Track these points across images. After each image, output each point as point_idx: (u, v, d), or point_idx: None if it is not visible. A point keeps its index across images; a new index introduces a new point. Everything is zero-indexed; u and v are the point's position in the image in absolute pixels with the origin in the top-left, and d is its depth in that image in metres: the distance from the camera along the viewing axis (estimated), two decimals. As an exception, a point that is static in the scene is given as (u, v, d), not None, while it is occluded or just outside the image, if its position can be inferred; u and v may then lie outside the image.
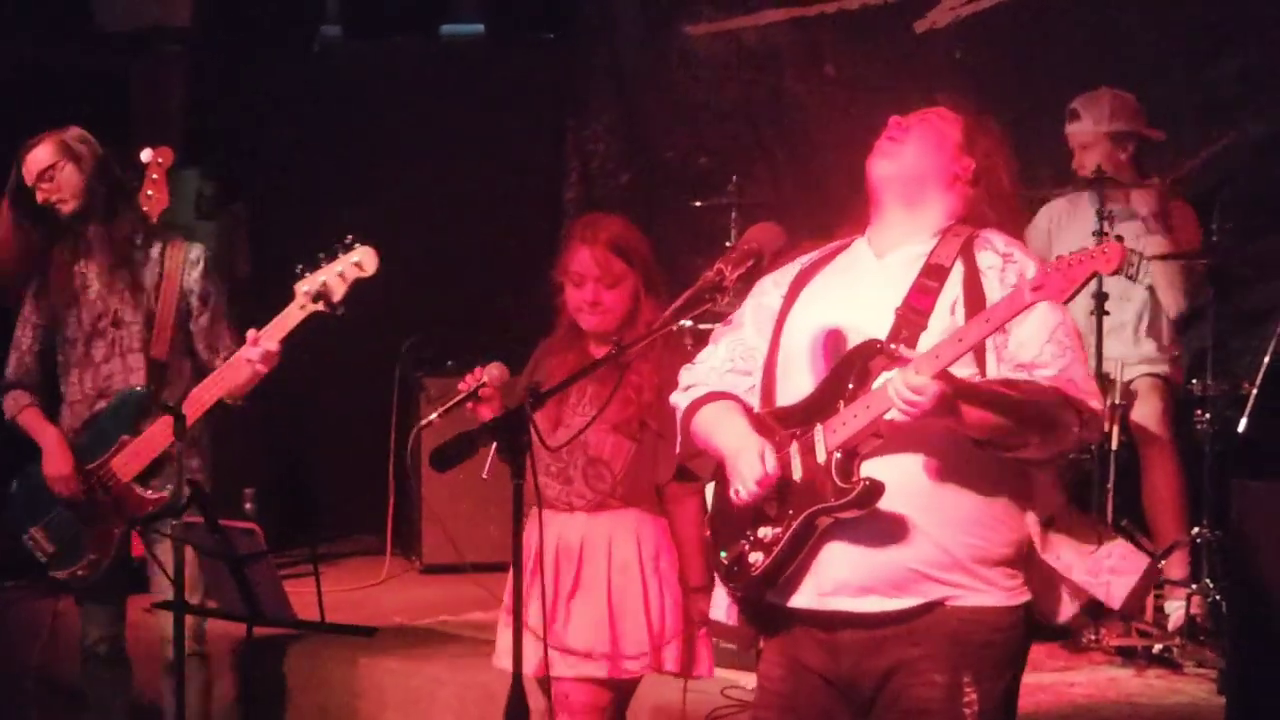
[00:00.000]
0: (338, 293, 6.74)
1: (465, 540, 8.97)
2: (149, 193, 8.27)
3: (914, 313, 4.53)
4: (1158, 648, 7.53)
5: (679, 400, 4.93)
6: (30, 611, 8.68)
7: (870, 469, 4.47)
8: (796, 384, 4.71)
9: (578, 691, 5.81)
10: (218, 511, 5.99)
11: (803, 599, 4.65)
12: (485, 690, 7.25)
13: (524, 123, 10.16)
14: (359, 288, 8.87)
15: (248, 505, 8.46)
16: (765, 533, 4.63)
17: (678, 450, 5.04)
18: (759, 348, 4.83)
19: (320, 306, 6.77)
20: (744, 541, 4.69)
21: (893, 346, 4.47)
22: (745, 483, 4.59)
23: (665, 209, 9.64)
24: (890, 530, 4.53)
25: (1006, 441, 4.46)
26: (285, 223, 10.39)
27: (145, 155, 8.35)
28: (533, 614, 5.67)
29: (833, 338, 4.66)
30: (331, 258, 6.80)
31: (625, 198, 9.77)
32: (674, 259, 9.33)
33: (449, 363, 9.32)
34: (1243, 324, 8.32)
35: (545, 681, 5.69)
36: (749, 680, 6.26)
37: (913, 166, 4.70)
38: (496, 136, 10.14)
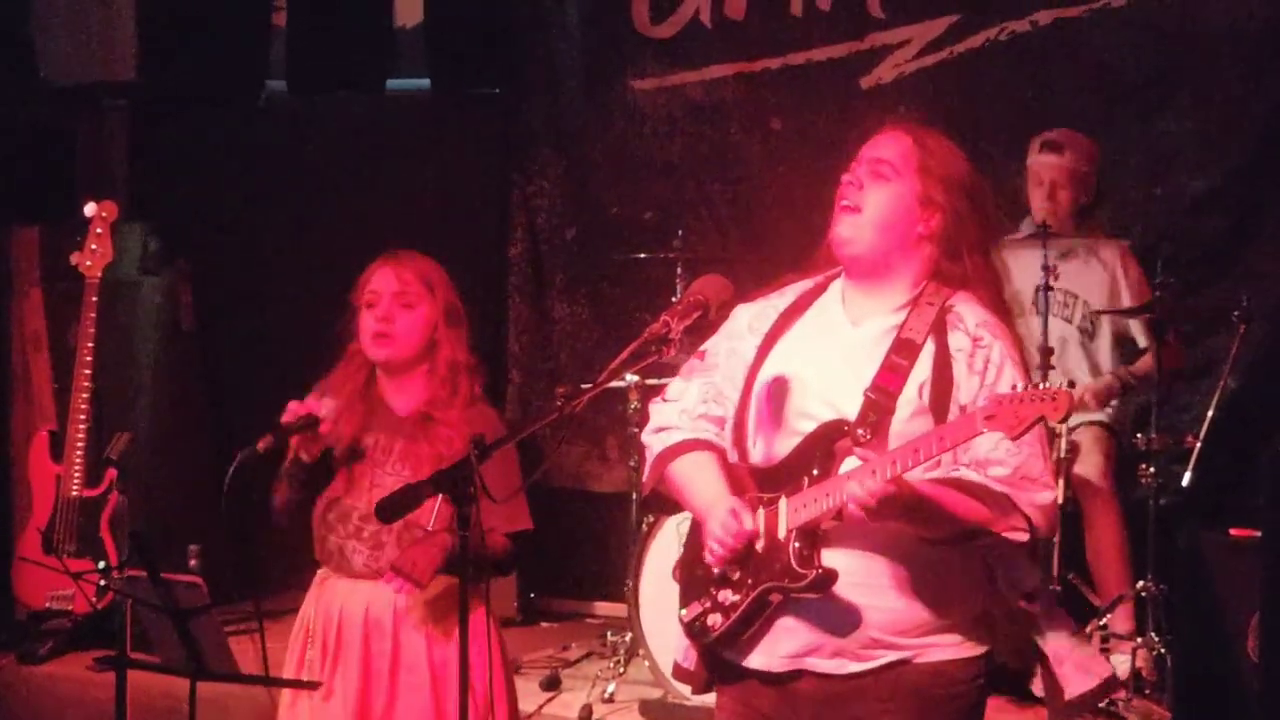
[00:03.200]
0: None
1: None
2: (93, 247, 8.29)
3: (883, 395, 4.56)
4: (1104, 701, 7.54)
5: (651, 440, 4.94)
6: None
7: (828, 547, 4.53)
8: (767, 441, 4.76)
9: None
10: (161, 565, 5.95)
11: (758, 660, 4.69)
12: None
13: (469, 178, 10.16)
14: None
15: (192, 562, 8.40)
16: (725, 596, 4.69)
17: (644, 484, 5.06)
18: (731, 396, 4.85)
19: None
20: (706, 600, 4.73)
21: (859, 432, 4.52)
22: (717, 545, 4.62)
23: (611, 263, 9.67)
24: (847, 607, 4.58)
25: (952, 541, 4.53)
26: (230, 278, 10.41)
27: (89, 209, 8.39)
28: (340, 691, 5.65)
29: (803, 401, 4.70)
30: None
31: (571, 252, 9.79)
32: (620, 313, 9.42)
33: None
34: (1186, 379, 8.39)
35: None
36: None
37: (873, 244, 4.68)
38: (442, 191, 10.16)
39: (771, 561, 4.57)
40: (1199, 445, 7.58)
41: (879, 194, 4.66)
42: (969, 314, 4.65)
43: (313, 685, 5.93)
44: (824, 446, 4.57)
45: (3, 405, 9.15)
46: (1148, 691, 7.48)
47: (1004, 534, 4.57)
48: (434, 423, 5.39)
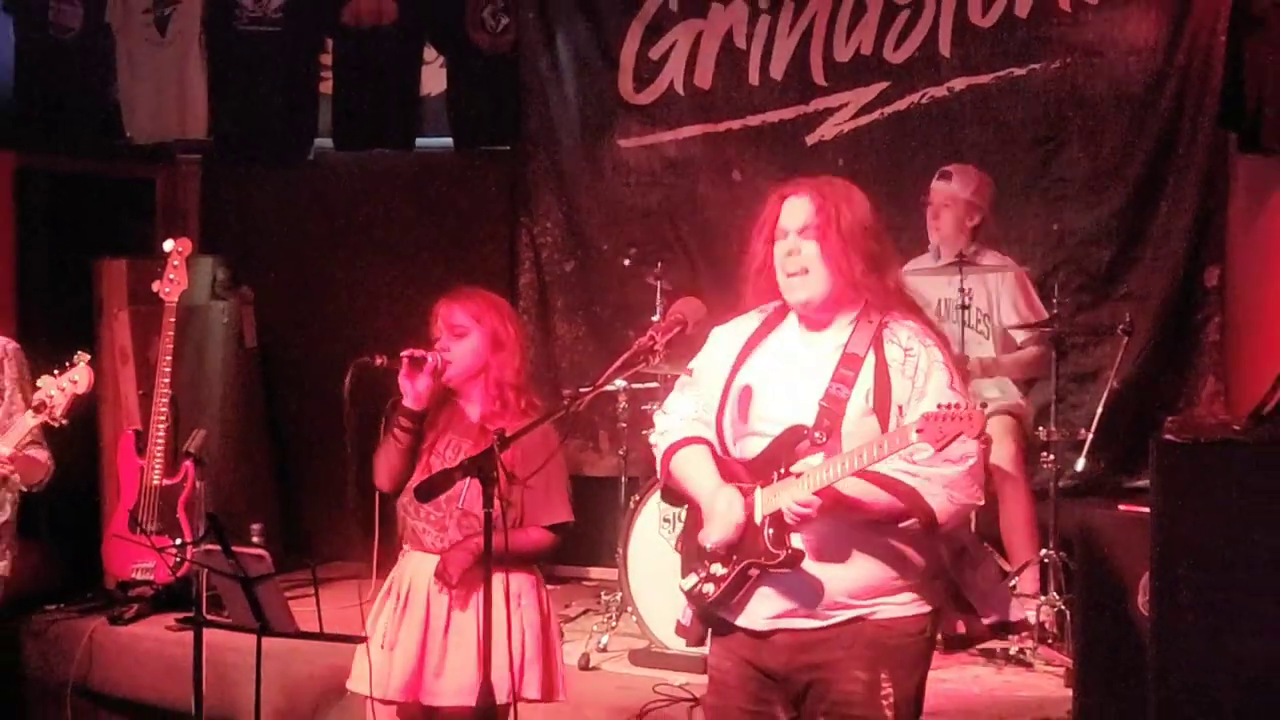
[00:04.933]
0: (59, 405, 6.18)
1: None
2: (171, 276, 8.26)
3: (834, 402, 4.63)
4: (1013, 649, 7.54)
5: (657, 441, 4.99)
6: (69, 631, 8.58)
7: (795, 540, 4.60)
8: (739, 441, 4.81)
9: (457, 717, 5.68)
10: (232, 540, 5.92)
11: (746, 620, 4.76)
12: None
13: (485, 220, 10.13)
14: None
15: (255, 538, 8.37)
16: (716, 569, 4.75)
17: (660, 481, 5.06)
18: (712, 405, 4.88)
19: (44, 417, 6.19)
20: (701, 571, 4.77)
21: (816, 435, 4.59)
22: (711, 534, 4.70)
23: (602, 289, 9.71)
24: (813, 575, 4.64)
25: (884, 526, 4.60)
26: (286, 303, 10.41)
27: (168, 245, 8.36)
28: (404, 642, 5.72)
29: (767, 407, 4.76)
30: (62, 372, 6.23)
31: (570, 281, 9.77)
32: (610, 331, 9.41)
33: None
34: (1078, 381, 8.41)
35: (411, 707, 5.74)
36: (676, 678, 6.23)
37: (824, 294, 4.73)
38: (462, 232, 10.16)
39: (751, 542, 4.64)
40: (1090, 436, 7.60)
41: (815, 253, 4.71)
42: (900, 330, 4.72)
43: (359, 639, 5.95)
44: (788, 447, 4.64)
45: (95, 409, 9.03)
46: (1050, 641, 7.52)
47: (906, 524, 4.61)
48: (487, 434, 5.37)
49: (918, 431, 4.34)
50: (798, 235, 4.73)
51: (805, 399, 4.66)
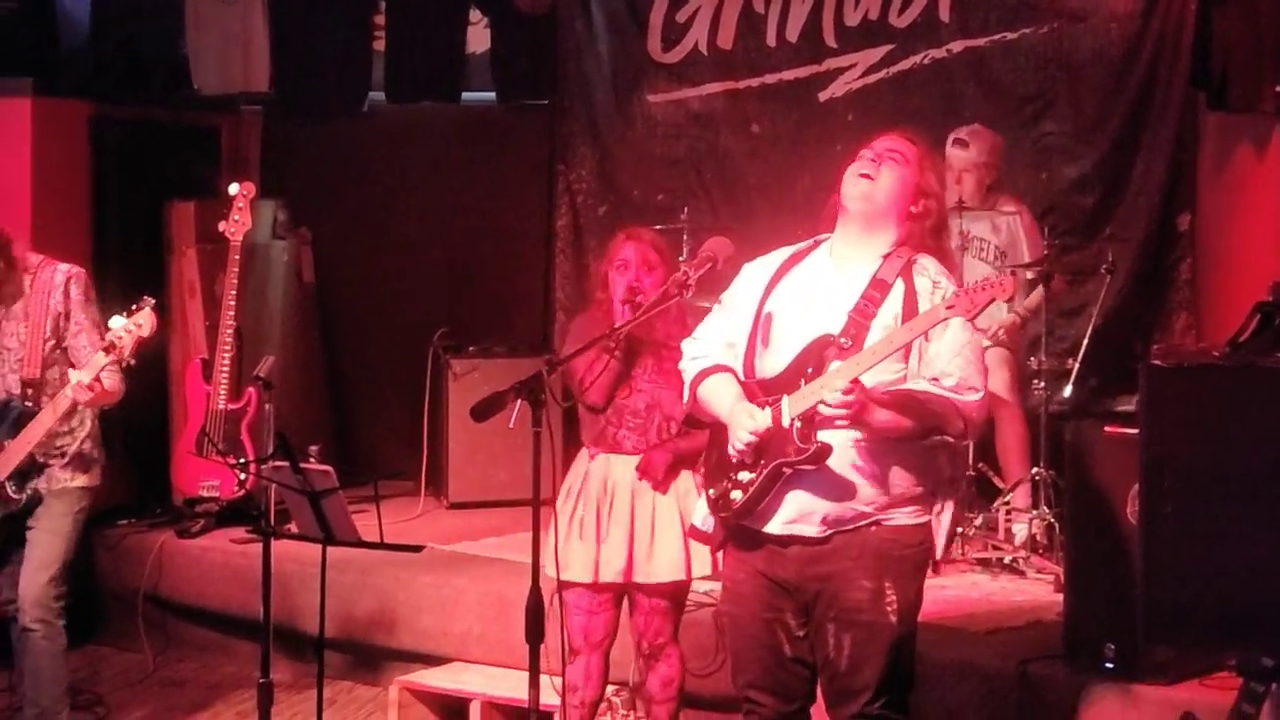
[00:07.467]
0: (127, 346, 6.06)
1: (483, 482, 9.11)
2: (235, 217, 8.30)
3: (861, 316, 4.65)
4: (1008, 559, 7.67)
5: (686, 367, 5.03)
6: (140, 544, 8.65)
7: (824, 437, 4.60)
8: (770, 360, 4.83)
9: (655, 593, 5.92)
10: (298, 457, 6.00)
11: (770, 526, 4.77)
12: (499, 596, 7.35)
13: (525, 167, 10.17)
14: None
15: (312, 459, 8.43)
16: (744, 476, 4.77)
17: (685, 405, 5.10)
18: (743, 329, 4.91)
19: (114, 357, 6.07)
20: (728, 482, 4.80)
21: (842, 340, 4.62)
22: (738, 439, 4.70)
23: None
24: (836, 481, 4.68)
25: (907, 438, 4.65)
26: (341, 242, 10.49)
27: (233, 188, 8.38)
28: (613, 535, 5.88)
29: (795, 328, 4.78)
30: (129, 315, 6.10)
31: (602, 224, 9.77)
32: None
33: (469, 348, 9.41)
34: (1066, 316, 8.50)
35: (603, 587, 5.92)
36: (703, 585, 6.30)
37: (876, 205, 4.78)
38: (504, 178, 10.19)
39: (780, 445, 4.66)
40: (1076, 366, 7.68)
41: (890, 172, 4.76)
42: (931, 265, 4.77)
43: (417, 548, 6.08)
44: (815, 354, 4.67)
45: (165, 339, 9.07)
46: (1041, 551, 7.63)
47: (948, 436, 4.68)
48: (674, 349, 5.48)
49: (948, 307, 4.42)
50: (885, 151, 4.81)
51: (832, 320, 4.69)
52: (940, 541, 7.34)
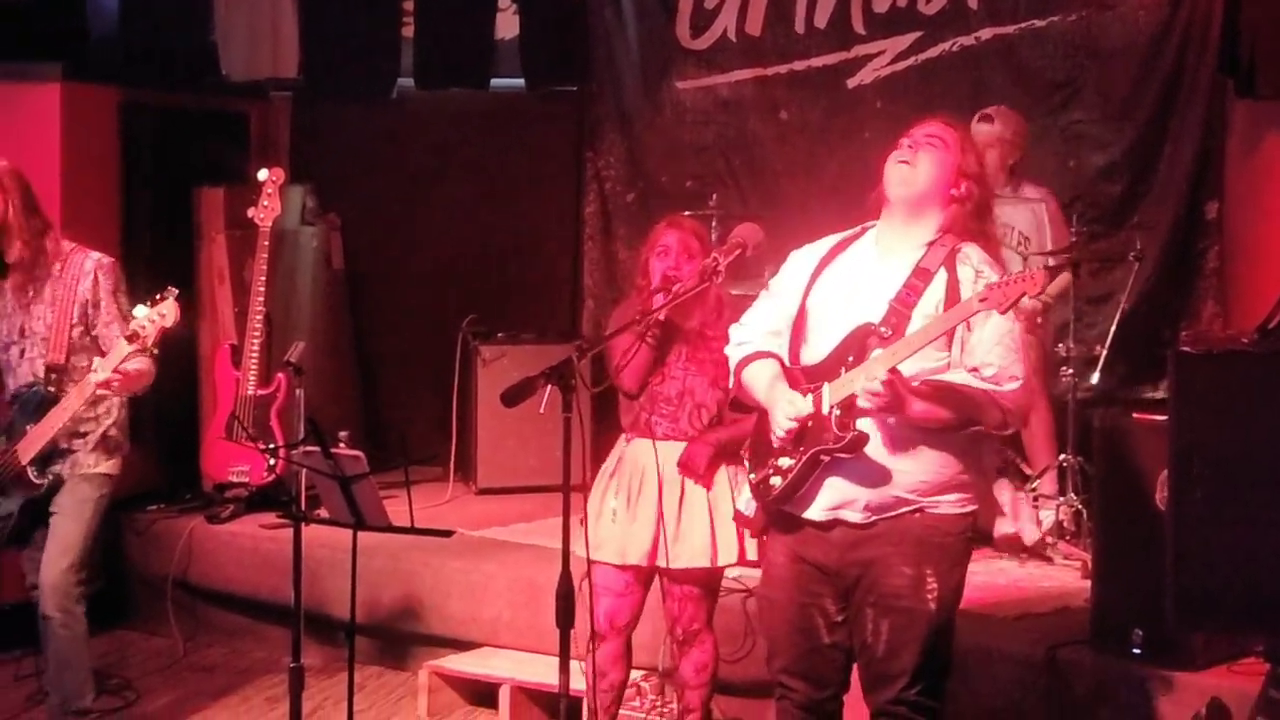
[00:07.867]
0: (150, 336, 6.06)
1: (512, 467, 9.14)
2: (265, 203, 8.33)
3: (902, 305, 4.67)
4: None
5: (732, 352, 5.08)
6: (169, 529, 8.67)
7: (862, 425, 4.64)
8: (814, 347, 4.86)
9: (684, 579, 5.95)
10: (329, 442, 6.01)
11: (810, 512, 4.82)
12: (529, 582, 7.37)
13: (554, 154, 10.19)
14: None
15: (341, 444, 8.44)
16: (784, 462, 4.82)
17: (731, 389, 5.15)
18: (789, 315, 4.94)
19: (137, 345, 6.08)
20: (769, 468, 4.85)
21: (883, 330, 4.65)
22: (779, 425, 4.74)
23: (661, 219, 9.56)
24: (876, 468, 4.71)
25: (945, 428, 4.67)
26: (370, 228, 10.50)
27: (262, 174, 8.41)
28: (641, 517, 5.90)
29: (839, 315, 4.81)
30: (152, 304, 6.10)
31: (631, 210, 9.82)
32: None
33: (498, 334, 9.42)
34: (1094, 303, 8.47)
35: (629, 569, 5.95)
36: (734, 571, 6.32)
37: (917, 191, 4.80)
38: (533, 164, 10.21)
39: (819, 432, 4.70)
40: (1104, 353, 7.67)
41: (929, 157, 4.78)
42: (975, 254, 4.77)
43: (447, 533, 6.11)
44: (857, 342, 4.70)
45: (194, 325, 9.10)
46: (1068, 537, 7.61)
47: (981, 423, 4.71)
48: (708, 337, 5.50)
49: (981, 300, 4.42)
50: (924, 137, 4.83)
51: (874, 309, 4.72)
52: (1027, 527, 7.55)
